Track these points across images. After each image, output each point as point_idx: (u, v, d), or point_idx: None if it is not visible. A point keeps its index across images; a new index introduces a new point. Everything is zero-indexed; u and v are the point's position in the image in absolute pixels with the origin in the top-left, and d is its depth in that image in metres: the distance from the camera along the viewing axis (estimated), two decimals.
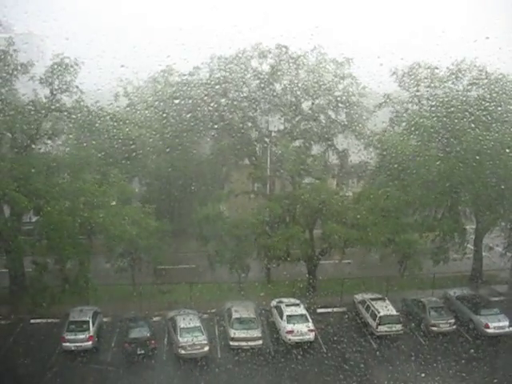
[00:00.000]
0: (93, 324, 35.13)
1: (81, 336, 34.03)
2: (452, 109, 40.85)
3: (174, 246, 43.96)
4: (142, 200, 44.97)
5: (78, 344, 33.73)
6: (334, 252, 41.40)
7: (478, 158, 38.18)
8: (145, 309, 38.60)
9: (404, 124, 44.78)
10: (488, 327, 37.02)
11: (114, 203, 39.22)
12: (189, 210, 46.08)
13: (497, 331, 36.91)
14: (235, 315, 36.60)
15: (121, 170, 40.91)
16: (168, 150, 45.11)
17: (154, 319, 38.33)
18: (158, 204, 44.34)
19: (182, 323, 35.09)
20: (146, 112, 45.89)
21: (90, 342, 34.16)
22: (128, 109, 47.32)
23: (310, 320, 36.59)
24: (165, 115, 43.93)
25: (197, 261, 44.05)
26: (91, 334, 34.41)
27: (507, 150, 37.63)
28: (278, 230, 40.72)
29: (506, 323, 37.12)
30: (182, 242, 46.08)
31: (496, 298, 42.58)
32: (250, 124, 47.53)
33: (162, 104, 45.22)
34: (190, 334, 34.12)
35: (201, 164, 47.30)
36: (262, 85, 45.65)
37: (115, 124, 40.77)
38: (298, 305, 38.37)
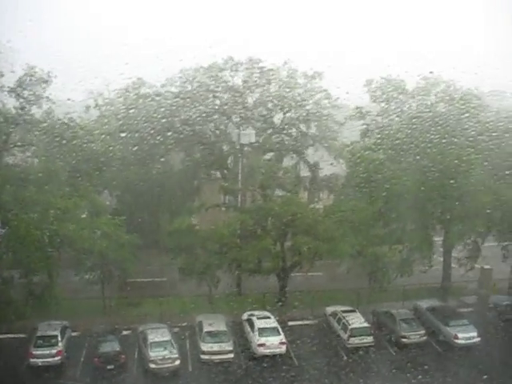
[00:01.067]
0: (61, 339, 34.54)
1: (49, 351, 33.33)
2: (420, 123, 41.53)
3: (145, 259, 43.56)
4: (112, 213, 44.54)
5: (45, 359, 33.02)
6: (305, 264, 41.44)
7: (444, 171, 38.86)
8: (115, 323, 38.10)
9: (374, 137, 45.27)
10: (457, 338, 37.42)
11: (83, 216, 38.76)
12: (160, 222, 45.79)
13: (466, 342, 37.32)
14: (206, 328, 36.36)
15: (91, 183, 40.50)
16: (139, 162, 44.83)
17: (124, 333, 37.80)
18: (129, 216, 43.88)
19: (153, 337, 34.68)
20: (117, 124, 45.60)
21: (59, 358, 33.46)
22: (99, 121, 46.97)
23: (282, 333, 36.49)
24: (136, 127, 43.70)
25: (167, 274, 43.74)
26: (60, 348, 33.77)
27: (471, 165, 38.46)
28: (249, 243, 40.69)
29: (475, 334, 37.58)
30: (152, 254, 45.69)
31: (464, 309, 43.03)
32: (221, 137, 47.57)
33: (133, 116, 44.99)
34: (161, 347, 33.78)
35: (172, 176, 47.12)
36: (234, 97, 45.79)
37: (86, 136, 40.44)
38: (269, 317, 38.30)
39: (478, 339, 37.50)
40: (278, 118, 47.86)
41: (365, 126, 46.31)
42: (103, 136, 42.58)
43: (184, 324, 39.37)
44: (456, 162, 38.59)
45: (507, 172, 40.16)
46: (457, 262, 46.16)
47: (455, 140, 40.15)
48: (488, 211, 39.93)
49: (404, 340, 37.89)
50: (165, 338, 34.75)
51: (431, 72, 44.94)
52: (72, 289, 39.31)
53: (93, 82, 43.43)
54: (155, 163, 46.62)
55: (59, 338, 34.31)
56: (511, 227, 43.25)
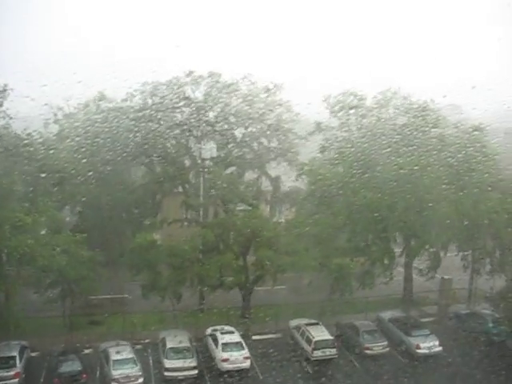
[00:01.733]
0: (20, 360, 33.64)
1: (7, 373, 32.33)
2: (379, 136, 42.14)
3: (107, 276, 42.89)
4: (73, 229, 43.84)
5: (3, 382, 31.93)
6: (268, 278, 41.45)
7: (404, 183, 39.49)
8: (76, 341, 37.40)
9: (333, 151, 45.70)
10: (419, 348, 37.91)
11: (43, 232, 38.06)
12: (122, 238, 45.27)
13: (427, 351, 37.89)
14: (169, 345, 35.99)
15: (51, 198, 39.85)
16: (100, 177, 44.30)
17: (86, 352, 37.15)
18: (90, 233, 43.19)
19: (115, 355, 34.16)
20: (77, 139, 44.97)
21: (17, 380, 32.50)
22: (59, 136, 46.29)
23: (246, 347, 36.35)
24: (96, 142, 43.22)
25: (130, 290, 43.22)
26: (18, 370, 32.88)
27: (431, 176, 39.17)
28: (212, 258, 40.54)
29: (436, 343, 38.18)
30: (114, 271, 45.05)
31: (426, 319, 43.67)
32: (182, 151, 47.38)
33: (93, 131, 44.50)
34: (123, 366, 33.29)
35: (134, 192, 46.70)
36: (195, 112, 45.75)
37: (45, 151, 39.83)
38: (232, 332, 38.14)
39: (440, 348, 38.15)
40: (239, 132, 47.93)
41: (324, 141, 46.64)
42: (63, 151, 41.98)
43: (147, 341, 39.03)
44: (416, 174, 39.22)
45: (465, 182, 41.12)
46: (418, 273, 46.84)
47: (415, 152, 40.82)
48: (448, 222, 40.72)
49: (367, 351, 38.20)
50: (127, 356, 34.28)
51: (389, 87, 45.80)
52: (32, 307, 38.50)
53: (52, 97, 42.87)
54: (117, 178, 46.07)
55: (17, 359, 33.42)
56: (470, 237, 44.19)
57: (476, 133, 42.51)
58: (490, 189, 41.41)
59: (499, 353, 37.17)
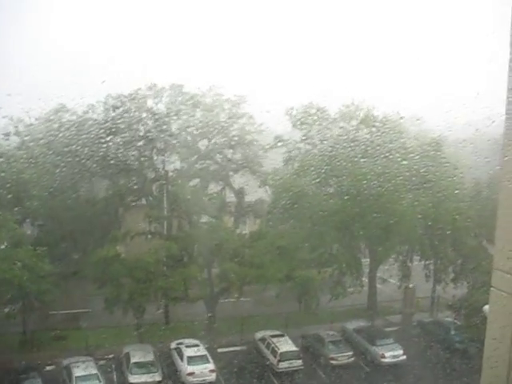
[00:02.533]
0: None
1: None
2: (343, 148, 42.55)
3: (69, 290, 42.21)
4: (34, 242, 43.03)
5: None
6: (233, 290, 41.30)
7: (366, 193, 39.90)
8: (37, 358, 36.54)
9: (297, 163, 45.93)
10: (384, 357, 38.21)
11: (2, 246, 37.28)
12: (84, 251, 44.59)
13: (392, 360, 38.22)
14: (133, 359, 35.57)
15: (11, 212, 39.09)
16: (62, 190, 43.67)
17: (47, 368, 36.40)
18: (52, 246, 42.50)
19: (78, 371, 33.62)
20: (38, 151, 44.31)
21: None
22: (19, 148, 45.55)
23: (211, 360, 36.12)
24: (58, 154, 42.65)
25: (93, 304, 42.49)
26: None
27: (394, 186, 39.65)
28: (176, 270, 40.23)
29: (400, 352, 38.52)
30: (77, 285, 44.29)
31: (390, 328, 44.05)
32: (145, 163, 47.04)
33: (55, 143, 43.91)
34: (87, 382, 32.84)
35: (96, 204, 46.10)
36: (158, 124, 45.52)
37: (4, 164, 39.13)
38: (198, 345, 37.84)
39: (404, 357, 38.46)
40: (202, 144, 47.84)
41: (288, 152, 46.85)
42: (24, 164, 41.32)
43: (111, 356, 38.41)
44: (379, 184, 39.71)
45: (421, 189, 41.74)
46: (381, 283, 47.25)
47: (378, 163, 41.29)
48: (411, 231, 41.28)
49: (333, 362, 38.31)
50: (91, 372, 33.79)
51: (353, 99, 46.26)
52: None
53: (13, 108, 42.22)
54: (79, 191, 45.48)
55: None
56: (432, 246, 44.82)
57: (434, 144, 43.21)
58: (450, 199, 42.11)
59: (462, 360, 37.65)
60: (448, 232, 42.51)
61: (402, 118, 45.35)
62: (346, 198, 41.11)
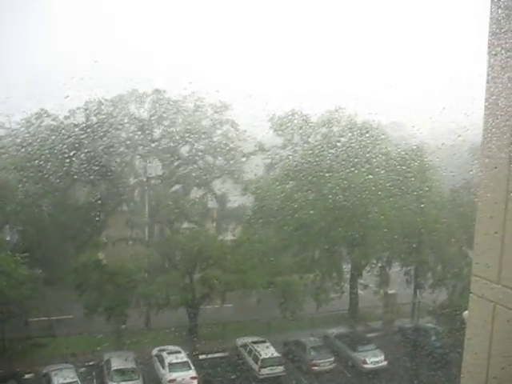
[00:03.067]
0: None
1: None
2: (324, 154, 42.70)
3: (50, 296, 41.74)
4: (13, 248, 42.56)
5: None
6: (215, 296, 41.19)
7: (349, 200, 40.06)
8: (16, 366, 36.04)
9: (279, 169, 46.05)
10: (365, 363, 38.31)
11: None
12: (65, 257, 44.20)
13: (373, 366, 38.34)
14: (114, 367, 35.31)
15: None
16: (43, 195, 43.32)
17: (27, 377, 35.87)
18: (33, 252, 42.04)
19: (58, 379, 33.34)
20: (19, 156, 43.91)
21: None
22: None
23: (193, 367, 36.00)
24: (39, 159, 42.29)
25: (74, 311, 42.04)
26: None
27: (375, 191, 39.88)
28: (157, 277, 40.05)
29: (382, 358, 38.67)
30: (58, 291, 43.89)
31: (371, 334, 44.12)
32: (127, 169, 46.83)
33: (36, 148, 43.56)
34: None
35: (78, 210, 45.76)
36: (140, 130, 45.37)
37: None
38: (179, 352, 37.64)
39: (385, 362, 38.62)
40: (184, 150, 47.76)
41: (270, 159, 46.95)
42: (3, 169, 40.94)
43: (91, 363, 37.96)
44: (360, 190, 39.89)
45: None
46: (363, 289, 47.39)
47: (358, 169, 41.50)
48: (391, 236, 41.50)
49: (315, 368, 38.33)
50: (71, 380, 33.48)
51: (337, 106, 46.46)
52: None
53: None
54: (60, 196, 45.13)
55: None
56: (413, 252, 45.07)
57: (414, 149, 43.58)
58: (430, 204, 42.43)
59: (442, 365, 37.86)
60: (428, 238, 42.82)
61: (382, 124, 45.78)
62: (327, 204, 41.23)
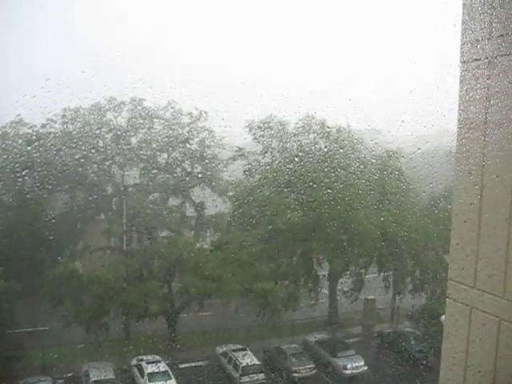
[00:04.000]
0: None
1: None
2: (302, 160, 42.91)
3: (25, 308, 41.21)
4: None
5: None
6: (194, 305, 41.01)
7: (326, 206, 40.26)
8: None
9: (257, 176, 46.11)
10: (346, 368, 38.39)
11: None
12: (42, 268, 43.68)
13: (354, 371, 38.45)
14: (93, 378, 34.95)
15: None
16: (18, 205, 42.82)
17: None
18: (8, 263, 41.55)
19: None
20: None
21: None
22: None
23: (173, 376, 35.77)
24: (14, 168, 41.83)
25: (51, 322, 41.54)
26: None
27: (353, 197, 40.15)
28: (136, 286, 39.78)
29: (362, 363, 38.79)
30: (33, 302, 43.26)
31: (351, 340, 44.26)
32: (104, 178, 46.54)
33: (11, 157, 43.09)
34: None
35: (54, 219, 45.29)
36: (117, 138, 45.18)
37: None
38: (159, 361, 37.37)
39: (365, 368, 38.75)
40: (162, 158, 47.63)
41: (248, 166, 46.98)
42: None
43: (69, 374, 37.46)
44: (337, 195, 40.14)
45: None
46: (342, 294, 47.52)
47: (335, 174, 41.73)
48: (369, 243, 41.77)
49: (295, 374, 38.29)
50: None
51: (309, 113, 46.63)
52: None
53: None
54: (36, 206, 44.63)
55: None
56: (391, 257, 45.36)
57: (391, 155, 43.99)
58: (408, 210, 42.80)
59: (421, 369, 38.07)
60: (406, 244, 43.14)
61: (359, 130, 46.13)
62: (304, 210, 41.41)
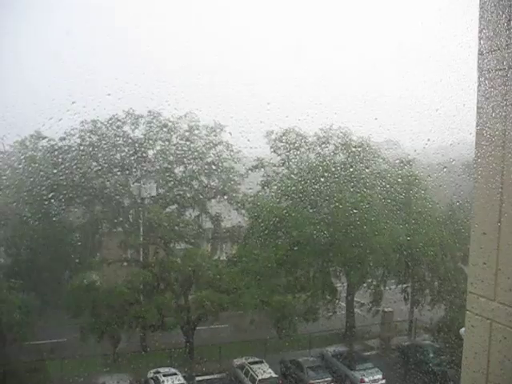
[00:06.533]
0: None
1: None
2: (320, 172, 42.82)
3: (44, 320, 41.40)
4: (7, 272, 42.33)
5: None
6: (211, 317, 40.95)
7: (344, 218, 40.09)
8: None
9: (275, 187, 46.11)
10: (363, 382, 38.09)
11: None
12: (60, 280, 43.99)
13: None
14: None
15: None
16: (36, 218, 43.14)
17: None
18: (26, 275, 41.91)
19: None
20: (13, 178, 43.87)
21: None
22: None
23: None
24: (33, 182, 42.24)
25: (68, 334, 41.68)
26: None
27: (370, 209, 39.94)
28: (152, 298, 39.87)
29: (380, 376, 38.45)
30: (52, 314, 43.54)
31: (369, 353, 43.92)
32: (121, 190, 46.77)
33: (30, 170, 43.55)
34: None
35: (72, 232, 45.66)
36: (134, 151, 45.44)
37: None
38: (175, 374, 37.32)
39: (383, 381, 38.37)
40: (179, 171, 47.76)
41: (265, 177, 47.03)
42: None
43: None
44: (355, 207, 39.96)
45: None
46: (359, 307, 47.23)
47: (354, 187, 41.63)
48: (386, 253, 41.51)
49: None
50: None
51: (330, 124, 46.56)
52: None
53: None
54: (54, 218, 44.97)
55: None
56: (408, 269, 45.02)
57: (407, 167, 43.79)
58: (426, 222, 42.51)
59: (441, 382, 37.64)
60: (424, 255, 42.79)
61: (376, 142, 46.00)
62: (323, 222, 41.28)
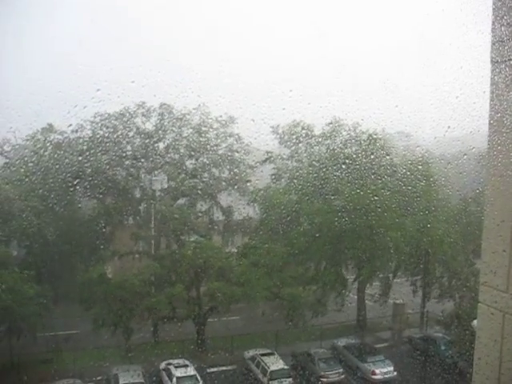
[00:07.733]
0: None
1: None
2: (329, 165, 42.72)
3: (57, 311, 41.73)
4: (21, 264, 42.58)
5: None
6: (221, 309, 41.08)
7: (355, 211, 40.00)
8: (24, 381, 35.90)
9: (285, 180, 46.10)
10: (375, 374, 38.01)
11: None
12: (72, 272, 44.23)
13: (383, 377, 38.02)
14: (122, 381, 35.18)
15: None
16: (49, 210, 43.38)
17: None
18: (39, 267, 42.17)
19: None
20: (25, 171, 44.07)
21: None
22: (5, 168, 45.40)
23: (201, 381, 35.84)
24: (45, 174, 42.45)
25: (81, 326, 41.97)
26: None
27: (382, 204, 39.81)
28: (163, 290, 40.03)
29: (391, 368, 38.37)
30: (64, 306, 43.79)
31: (380, 345, 43.84)
32: (133, 182, 46.94)
33: (42, 162, 43.74)
34: None
35: (84, 224, 45.85)
36: (146, 143, 45.54)
37: None
38: (187, 366, 37.44)
39: (395, 373, 38.32)
40: (190, 163, 47.84)
41: (275, 170, 47.01)
42: (9, 183, 41.12)
43: (99, 378, 37.83)
44: (366, 201, 39.85)
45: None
46: (370, 299, 47.17)
47: (364, 179, 41.49)
48: (397, 247, 41.41)
49: (323, 379, 38.07)
50: None
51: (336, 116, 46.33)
52: None
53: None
54: (67, 211, 45.20)
55: None
56: (419, 263, 44.88)
57: (419, 158, 43.52)
58: (437, 214, 42.36)
59: (452, 375, 37.56)
60: (435, 247, 42.63)
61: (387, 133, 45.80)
62: (333, 214, 41.16)
